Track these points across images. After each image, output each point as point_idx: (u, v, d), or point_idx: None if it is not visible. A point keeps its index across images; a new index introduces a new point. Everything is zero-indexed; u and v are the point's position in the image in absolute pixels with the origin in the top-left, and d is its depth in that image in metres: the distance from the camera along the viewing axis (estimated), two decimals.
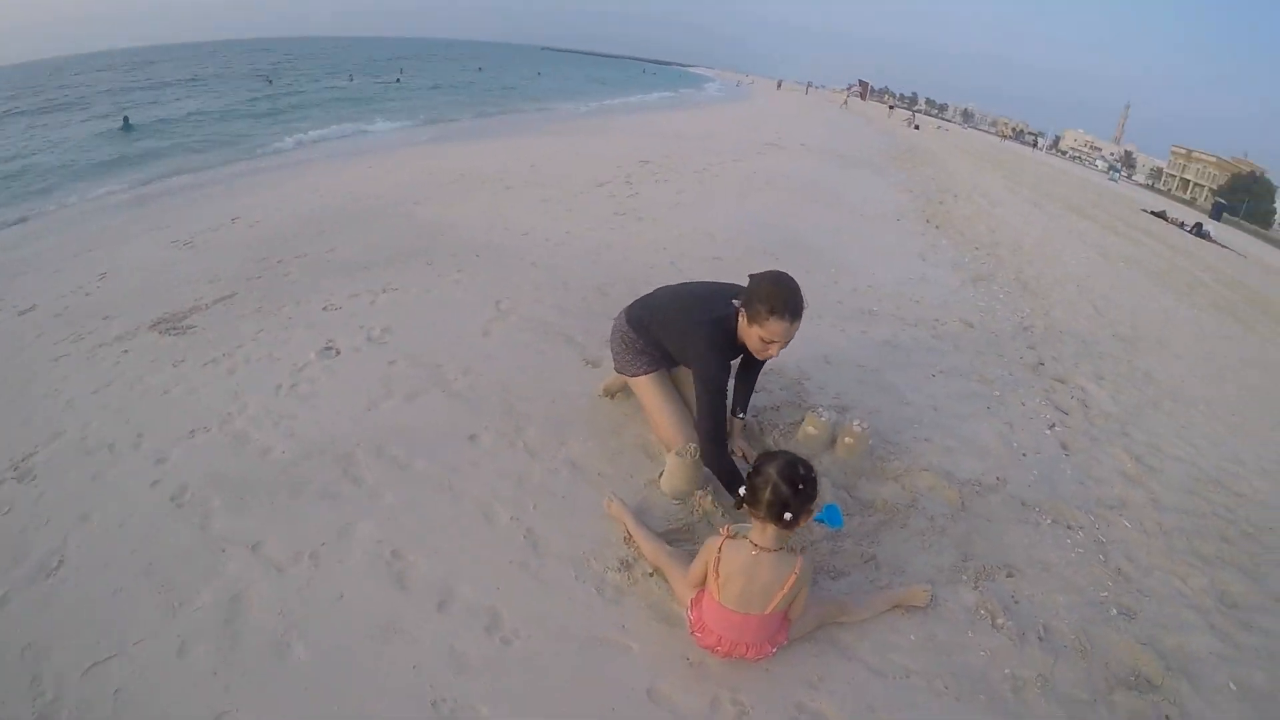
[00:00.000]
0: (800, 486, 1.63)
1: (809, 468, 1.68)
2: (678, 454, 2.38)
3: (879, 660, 2.00)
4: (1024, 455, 3.48)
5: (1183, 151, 79.91)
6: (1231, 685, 2.36)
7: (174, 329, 3.65)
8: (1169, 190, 70.85)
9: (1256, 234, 46.53)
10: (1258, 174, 65.36)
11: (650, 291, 2.70)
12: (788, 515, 1.62)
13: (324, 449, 2.55)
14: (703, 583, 1.81)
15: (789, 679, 1.86)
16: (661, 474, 2.50)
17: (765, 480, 1.64)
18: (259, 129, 14.83)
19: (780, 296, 2.08)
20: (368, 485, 2.40)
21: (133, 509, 2.26)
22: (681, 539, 2.30)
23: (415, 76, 35.14)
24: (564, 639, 1.88)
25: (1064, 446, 3.71)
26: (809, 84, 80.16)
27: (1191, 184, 74.20)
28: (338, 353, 3.25)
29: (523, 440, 2.64)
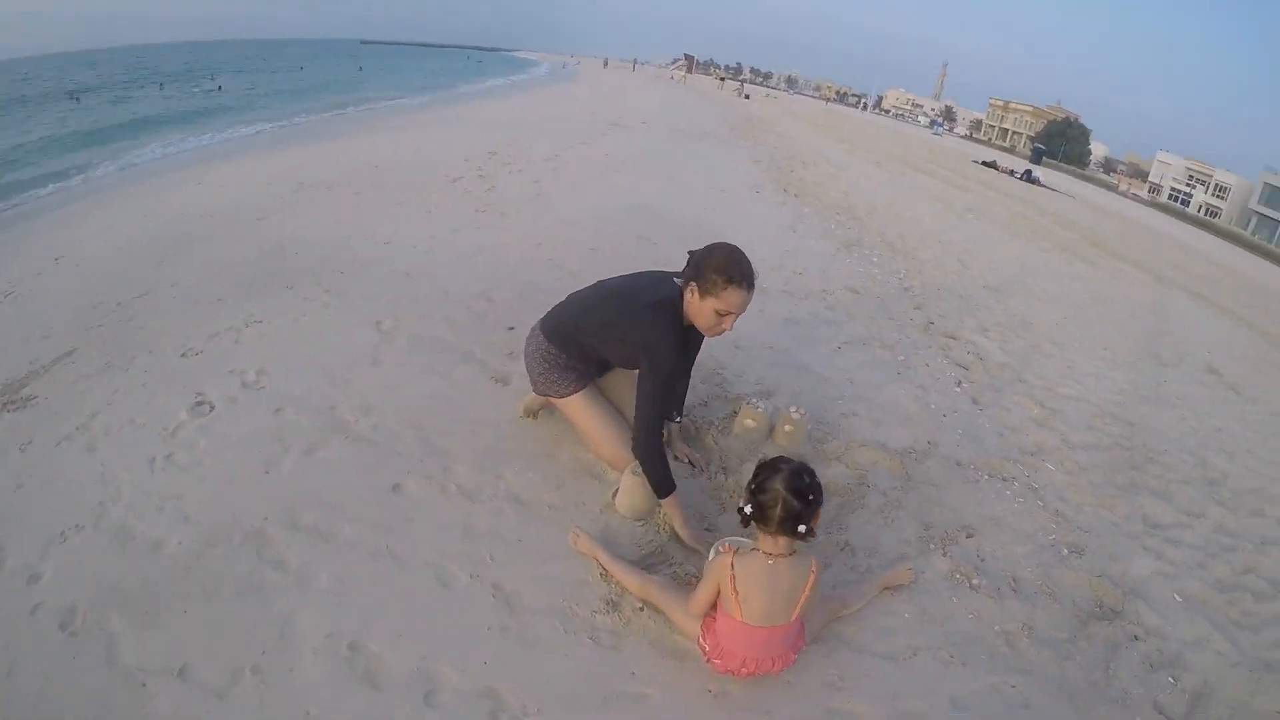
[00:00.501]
0: (810, 497, 1.72)
1: (812, 473, 1.78)
2: (634, 472, 2.37)
3: (885, 645, 2.16)
4: (944, 416, 3.94)
5: (1000, 103, 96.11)
6: (1176, 597, 2.82)
7: (11, 403, 3.15)
8: (989, 140, 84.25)
9: (1075, 174, 56.64)
10: (1071, 119, 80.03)
11: (562, 300, 2.62)
12: (801, 528, 1.72)
13: (228, 531, 2.22)
14: (709, 608, 1.84)
15: (811, 686, 1.95)
16: (615, 494, 2.49)
17: (773, 497, 1.71)
18: (72, 152, 14.53)
19: (736, 264, 2.17)
20: (293, 568, 2.09)
21: (16, 649, 1.84)
22: (657, 563, 2.29)
23: (233, 81, 35.64)
24: (577, 704, 1.82)
25: (975, 401, 4.26)
26: (635, 61, 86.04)
27: (1010, 132, 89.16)
28: (211, 407, 2.88)
29: (454, 482, 2.52)
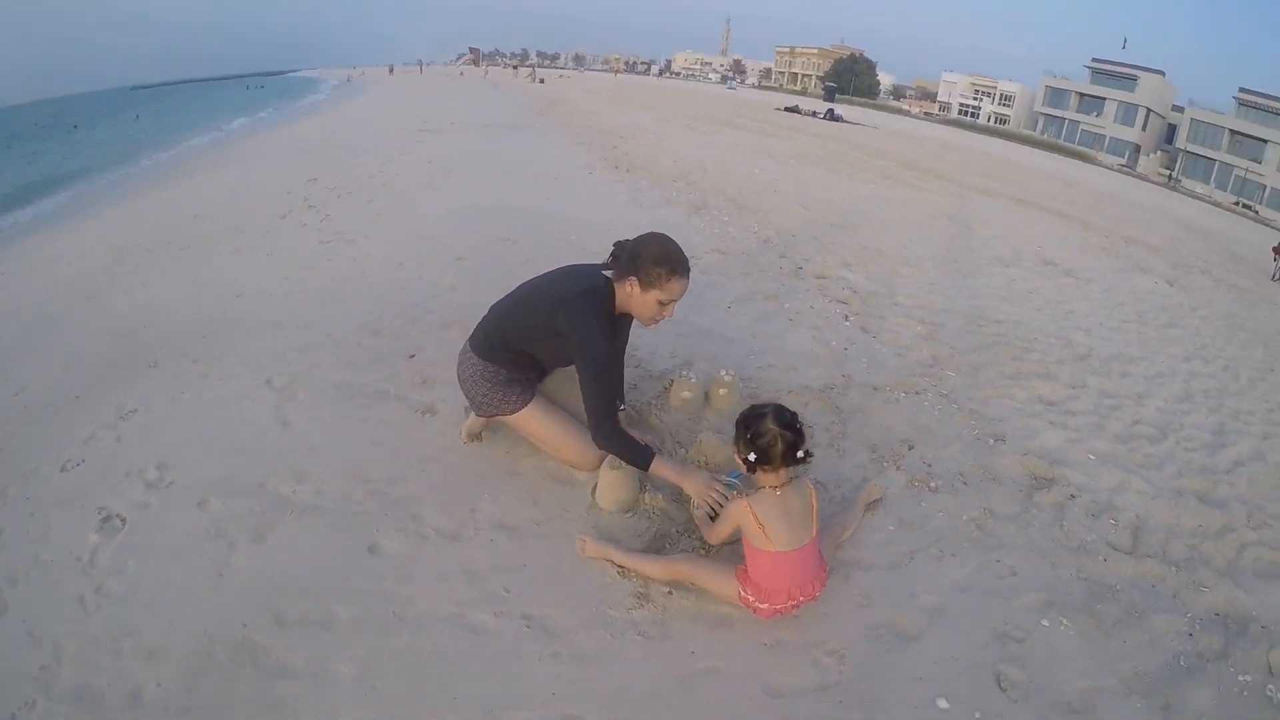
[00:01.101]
0: (797, 425, 2.02)
1: (785, 406, 2.10)
2: (610, 467, 2.49)
3: (885, 558, 2.45)
4: (845, 350, 4.40)
5: (786, 49, 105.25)
6: (1090, 456, 3.40)
7: None
8: (780, 86, 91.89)
9: (868, 104, 63.02)
10: (856, 54, 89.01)
11: (485, 315, 2.71)
12: (800, 452, 2.00)
13: (209, 654, 1.96)
14: (728, 540, 2.10)
15: (843, 612, 2.18)
16: (594, 493, 2.57)
17: (771, 437, 1.99)
18: None
19: (675, 254, 2.37)
20: (304, 671, 1.88)
21: None
22: (662, 545, 2.40)
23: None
24: (659, 698, 1.90)
25: (865, 330, 4.78)
26: (420, 63, 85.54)
27: (800, 76, 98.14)
28: (123, 520, 2.51)
29: (430, 527, 2.47)
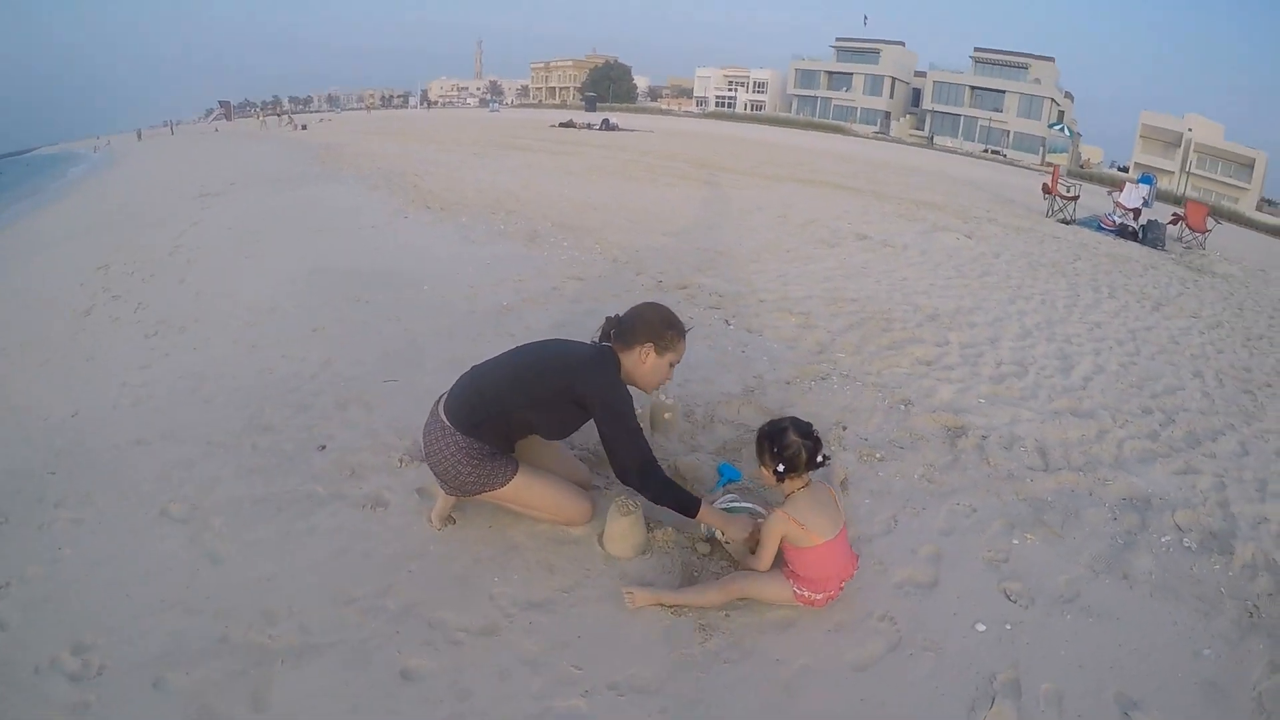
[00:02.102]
0: (814, 432, 2.37)
1: (799, 418, 2.45)
2: (619, 512, 2.63)
3: (877, 526, 2.90)
4: (743, 351, 4.86)
5: (541, 65, 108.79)
6: (980, 400, 4.19)
7: None
8: (539, 102, 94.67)
9: (629, 109, 66.35)
10: (611, 61, 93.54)
11: (462, 390, 2.68)
12: (821, 457, 2.34)
13: None
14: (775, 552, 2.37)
15: (874, 580, 2.60)
16: (603, 543, 2.72)
17: (795, 448, 2.31)
18: None
19: (675, 317, 2.66)
20: None
21: None
22: (698, 573, 2.63)
23: None
24: (781, 710, 2.12)
25: (749, 330, 5.30)
26: (170, 123, 79.13)
27: (558, 90, 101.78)
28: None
29: (457, 630, 2.39)
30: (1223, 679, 2.38)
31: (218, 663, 2.30)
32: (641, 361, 2.61)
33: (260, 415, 3.83)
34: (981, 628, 2.45)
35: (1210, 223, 13.31)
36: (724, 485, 3.05)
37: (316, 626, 2.44)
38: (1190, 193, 40.90)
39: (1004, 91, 60.62)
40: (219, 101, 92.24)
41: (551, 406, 2.59)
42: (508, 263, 6.77)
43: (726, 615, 2.42)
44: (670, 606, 2.43)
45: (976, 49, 62.63)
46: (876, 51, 69.15)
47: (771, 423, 2.46)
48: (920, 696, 2.17)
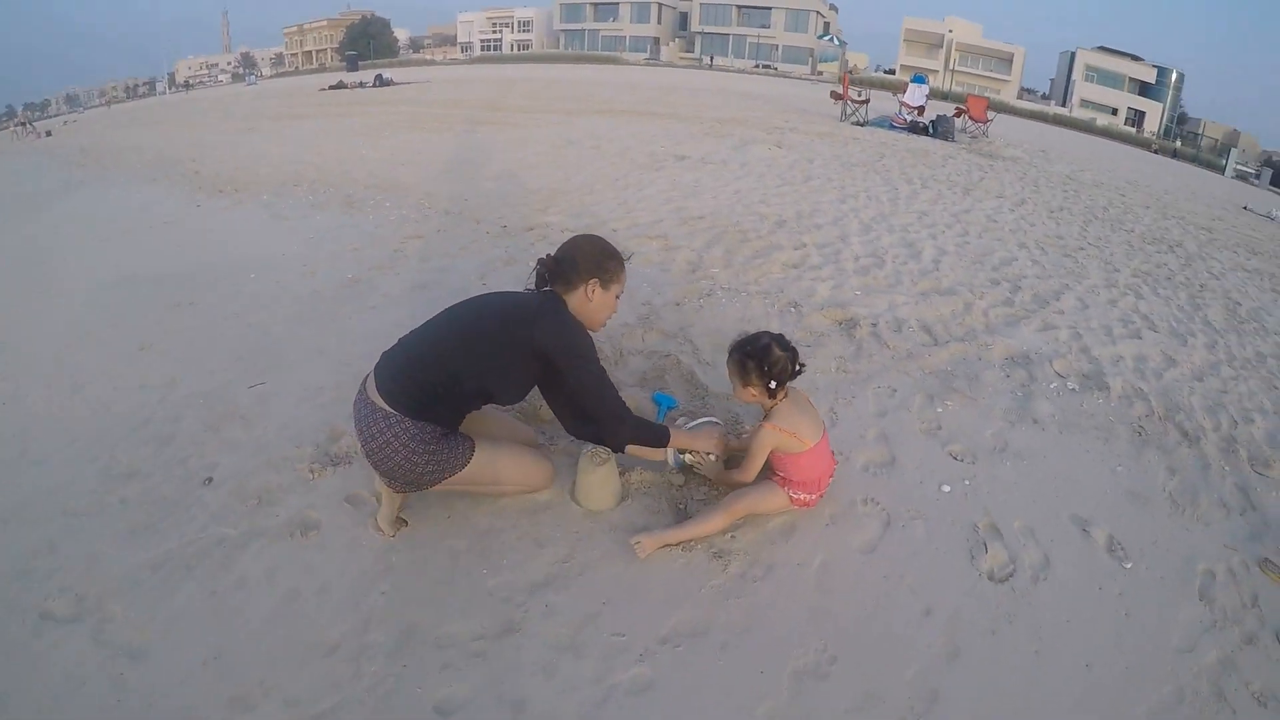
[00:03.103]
0: (789, 342, 2.47)
1: (772, 331, 2.53)
2: (593, 463, 2.55)
3: (838, 420, 3.16)
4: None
5: (294, 29, 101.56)
6: (857, 292, 4.59)
7: None
8: (296, 69, 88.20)
9: (394, 63, 63.23)
10: (368, 16, 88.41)
11: (397, 368, 2.37)
12: (799, 366, 2.46)
13: None
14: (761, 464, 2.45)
15: (842, 466, 2.76)
16: (578, 498, 2.63)
17: (782, 361, 2.40)
18: None
19: (611, 247, 2.52)
20: None
21: None
22: (690, 502, 2.62)
23: None
24: (837, 606, 2.22)
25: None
26: None
27: (315, 53, 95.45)
28: None
29: (471, 640, 2.17)
30: (1138, 487, 2.91)
31: None
32: (588, 299, 2.48)
33: (115, 463, 3.16)
34: (947, 489, 2.74)
35: (990, 114, 14.76)
36: (666, 414, 3.08)
37: (305, 694, 2.03)
38: (955, 89, 45.09)
39: (770, 8, 63.78)
40: None
41: (511, 366, 2.40)
42: (334, 233, 6.32)
43: (732, 538, 2.47)
44: (680, 543, 2.44)
45: None
46: None
47: (748, 343, 2.50)
48: (928, 559, 2.40)
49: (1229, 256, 7.77)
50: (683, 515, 2.58)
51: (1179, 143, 49.90)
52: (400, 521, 2.59)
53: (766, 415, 2.49)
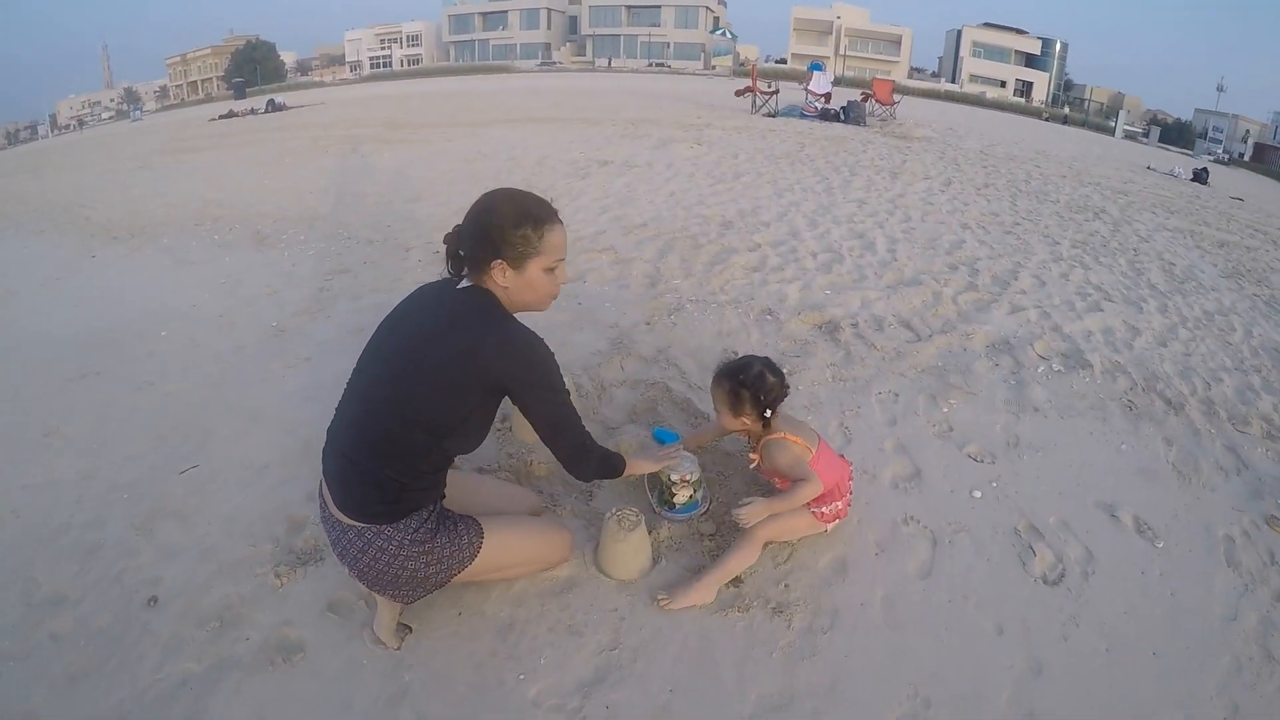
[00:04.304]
0: (778, 366, 2.47)
1: (759, 356, 2.52)
2: (622, 528, 2.27)
3: (837, 440, 3.08)
4: (580, 304, 4.73)
5: (177, 59, 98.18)
6: (827, 292, 4.62)
7: None
8: (182, 101, 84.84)
9: (282, 88, 61.44)
10: (253, 41, 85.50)
11: (345, 475, 1.95)
12: (786, 388, 2.46)
13: None
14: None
15: (871, 485, 2.75)
16: (605, 567, 2.35)
17: (774, 388, 2.38)
18: None
19: (532, 202, 1.98)
20: None
21: None
22: (715, 549, 2.43)
23: None
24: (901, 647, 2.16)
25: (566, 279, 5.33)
26: None
27: (200, 83, 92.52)
28: None
29: None
30: (1144, 462, 3.04)
31: None
32: (506, 282, 1.95)
33: (34, 588, 2.57)
34: (978, 494, 2.76)
35: (896, 97, 15.20)
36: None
37: None
38: (847, 73, 46.48)
39: (660, 6, 64.86)
40: None
41: (462, 407, 1.91)
42: (248, 275, 5.93)
43: (786, 587, 2.33)
44: (717, 587, 2.27)
45: None
46: None
47: (739, 370, 2.44)
48: (984, 573, 2.40)
49: (1150, 218, 8.19)
50: (710, 558, 2.43)
51: (1067, 109, 52.81)
52: (403, 628, 2.17)
53: (758, 439, 2.46)
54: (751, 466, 2.56)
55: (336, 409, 2.04)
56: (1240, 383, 3.88)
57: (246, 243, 7.11)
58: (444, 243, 2.07)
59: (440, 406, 1.88)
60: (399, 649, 2.10)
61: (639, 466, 2.36)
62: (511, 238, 1.91)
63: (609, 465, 2.17)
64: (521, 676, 2.03)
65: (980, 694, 1.97)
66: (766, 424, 2.42)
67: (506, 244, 1.91)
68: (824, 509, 2.42)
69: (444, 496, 2.08)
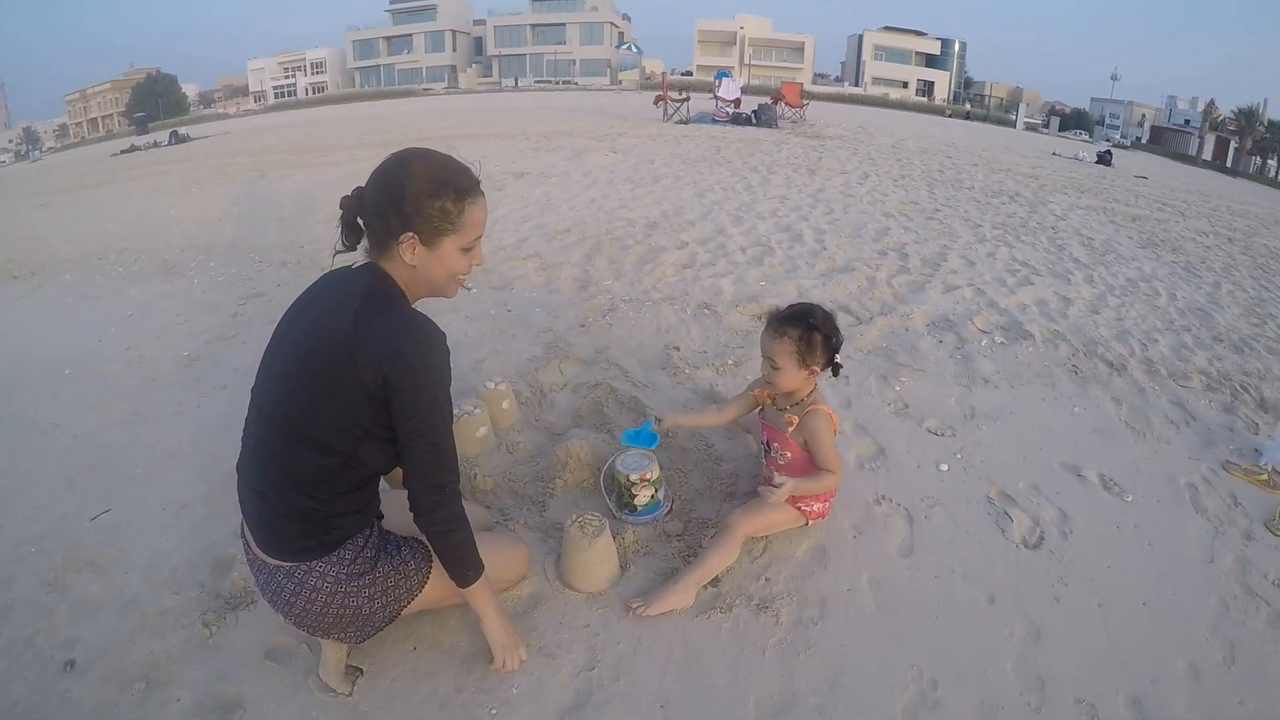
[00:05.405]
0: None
1: (802, 301, 2.34)
2: (585, 534, 2.08)
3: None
4: (510, 311, 4.58)
5: (76, 95, 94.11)
6: (762, 282, 4.57)
7: None
8: (82, 139, 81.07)
9: (185, 121, 59.34)
10: (153, 74, 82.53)
11: (262, 509, 1.69)
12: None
13: None
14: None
15: (844, 470, 2.63)
16: (565, 579, 2.18)
17: (829, 337, 2.16)
18: None
19: (452, 169, 1.67)
20: None
21: None
22: (687, 550, 2.26)
23: None
24: (891, 618, 2.09)
25: (499, 289, 5.03)
26: None
27: (100, 119, 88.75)
28: None
29: None
30: (1099, 422, 3.09)
31: None
32: (414, 261, 1.66)
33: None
34: (944, 467, 2.72)
35: (805, 99, 15.51)
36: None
37: None
38: (753, 81, 47.64)
39: (564, 24, 65.64)
40: None
41: (369, 423, 1.60)
42: (155, 305, 5.56)
43: (766, 580, 2.20)
44: (696, 588, 2.10)
45: None
46: (433, 8, 71.35)
47: (805, 314, 2.19)
48: (966, 545, 2.35)
49: (1063, 198, 8.48)
50: (686, 560, 2.27)
51: (969, 105, 55.01)
52: (354, 671, 1.92)
53: (798, 404, 2.24)
54: (789, 430, 2.25)
55: (242, 437, 1.75)
56: (1174, 341, 3.98)
57: (153, 273, 6.69)
58: (340, 208, 1.72)
59: (334, 421, 1.59)
60: (351, 694, 1.85)
61: (483, 597, 1.83)
62: (427, 209, 1.62)
63: (461, 535, 1.71)
64: (494, 711, 1.82)
65: (985, 666, 1.90)
66: (835, 372, 2.25)
67: (420, 216, 1.63)
68: (814, 506, 2.29)
69: (381, 517, 1.83)
